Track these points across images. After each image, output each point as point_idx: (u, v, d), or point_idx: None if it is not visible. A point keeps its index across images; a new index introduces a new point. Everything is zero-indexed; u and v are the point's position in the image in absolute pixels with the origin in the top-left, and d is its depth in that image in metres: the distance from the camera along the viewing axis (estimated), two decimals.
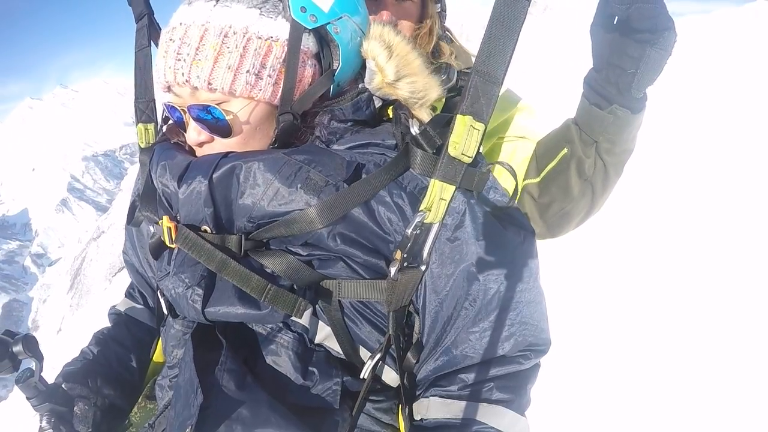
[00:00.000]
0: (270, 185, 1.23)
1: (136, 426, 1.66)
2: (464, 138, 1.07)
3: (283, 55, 1.26)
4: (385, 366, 1.39)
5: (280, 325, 1.37)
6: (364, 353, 1.38)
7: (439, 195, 1.11)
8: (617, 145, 1.57)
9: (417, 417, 1.37)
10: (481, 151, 1.19)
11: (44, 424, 1.51)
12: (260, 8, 1.25)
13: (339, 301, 1.33)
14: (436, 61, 1.84)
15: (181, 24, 1.24)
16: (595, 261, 7.51)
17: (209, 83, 1.21)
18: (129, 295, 1.92)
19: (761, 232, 7.27)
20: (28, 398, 1.50)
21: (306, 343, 1.37)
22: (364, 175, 1.25)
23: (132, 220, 1.63)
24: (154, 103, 1.60)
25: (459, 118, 1.06)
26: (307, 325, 1.37)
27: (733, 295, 6.21)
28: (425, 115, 1.39)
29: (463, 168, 1.10)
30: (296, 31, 1.24)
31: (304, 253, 1.29)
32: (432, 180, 1.11)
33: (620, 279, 7.05)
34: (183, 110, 1.31)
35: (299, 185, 1.21)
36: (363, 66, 1.43)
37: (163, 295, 1.54)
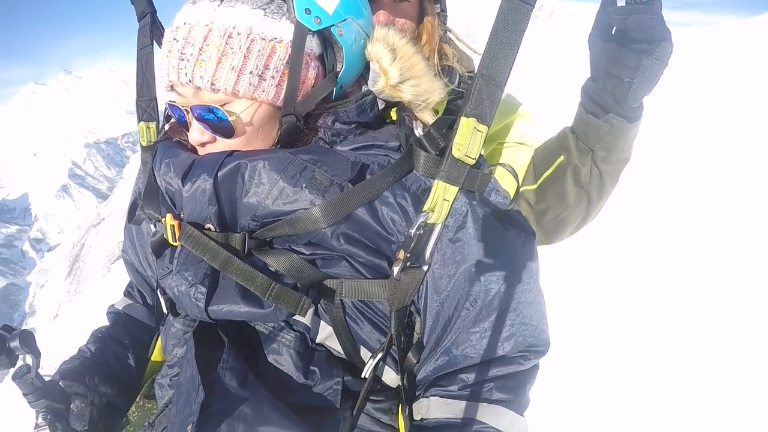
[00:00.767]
0: (275, 184, 1.24)
1: (134, 425, 1.67)
2: (468, 140, 1.09)
3: (287, 57, 1.27)
4: (386, 366, 1.40)
5: (282, 324, 1.38)
6: (364, 353, 1.39)
7: (442, 196, 1.12)
8: (613, 154, 1.59)
9: (417, 417, 1.39)
10: (482, 153, 1.21)
11: (40, 420, 1.51)
12: (264, 9, 1.26)
13: (341, 300, 1.34)
14: (440, 63, 1.86)
15: (185, 24, 1.25)
16: (594, 262, 7.60)
17: (212, 84, 1.22)
18: (128, 293, 1.93)
19: (760, 240, 7.37)
20: (24, 394, 1.50)
21: (307, 343, 1.39)
22: (368, 176, 1.27)
23: (133, 218, 1.63)
24: (156, 101, 1.60)
25: (463, 120, 1.08)
26: (308, 325, 1.38)
27: (731, 297, 6.30)
28: (428, 118, 1.41)
29: (467, 169, 1.12)
30: (300, 32, 1.26)
31: (308, 252, 1.30)
32: (435, 181, 1.13)
33: (619, 280, 7.14)
34: (186, 110, 1.32)
35: (304, 184, 1.22)
36: (366, 68, 1.44)
37: (163, 293, 1.55)
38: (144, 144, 1.58)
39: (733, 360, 5.34)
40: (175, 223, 1.31)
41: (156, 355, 1.82)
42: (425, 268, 1.21)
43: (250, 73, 1.24)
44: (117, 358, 1.76)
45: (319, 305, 1.37)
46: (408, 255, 1.18)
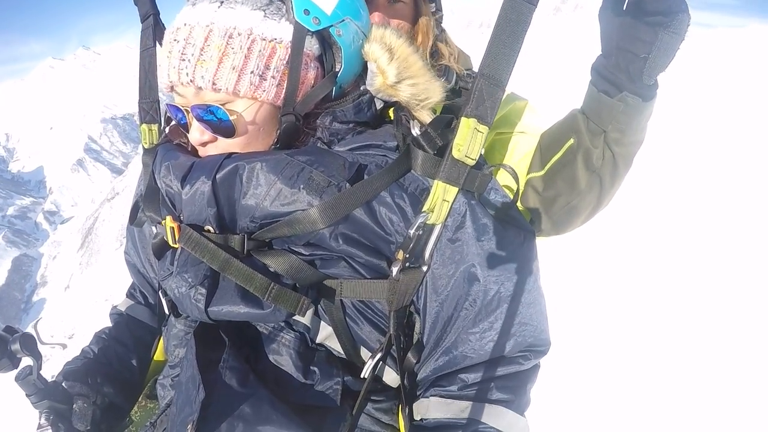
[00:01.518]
0: (273, 186, 1.25)
1: (137, 425, 1.68)
2: (468, 140, 1.09)
3: (287, 57, 1.29)
4: (386, 366, 1.41)
5: (282, 324, 1.39)
6: (364, 353, 1.41)
7: (442, 196, 1.13)
8: (627, 135, 1.54)
9: (417, 417, 1.40)
10: (482, 152, 1.21)
11: (43, 421, 1.53)
12: (264, 10, 1.28)
13: (341, 300, 1.35)
14: (436, 63, 1.86)
15: (185, 25, 1.27)
16: (595, 262, 7.64)
17: (214, 83, 1.25)
18: (130, 294, 1.96)
19: (760, 240, 7.48)
20: (27, 395, 1.52)
21: (307, 343, 1.40)
22: (365, 176, 1.28)
23: (134, 220, 1.65)
24: (158, 103, 1.62)
25: (463, 120, 1.08)
26: (308, 325, 1.39)
27: (733, 297, 6.35)
28: (426, 117, 1.41)
29: (467, 170, 1.12)
30: (299, 33, 1.28)
31: (307, 253, 1.31)
32: (435, 181, 1.14)
33: (620, 280, 7.17)
34: (186, 110, 1.34)
35: (302, 186, 1.24)
36: (364, 68, 1.46)
37: (165, 295, 1.57)
38: (146, 146, 1.60)
39: (733, 359, 5.35)
40: (175, 225, 1.32)
41: (158, 356, 1.84)
42: (424, 268, 1.22)
43: (251, 72, 1.26)
44: (119, 359, 1.77)
45: (318, 305, 1.38)
46: (407, 255, 1.19)
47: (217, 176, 1.28)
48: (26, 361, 1.49)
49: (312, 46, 1.34)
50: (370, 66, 1.43)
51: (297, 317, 1.37)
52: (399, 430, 1.45)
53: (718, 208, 8.53)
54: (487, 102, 1.07)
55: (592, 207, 1.75)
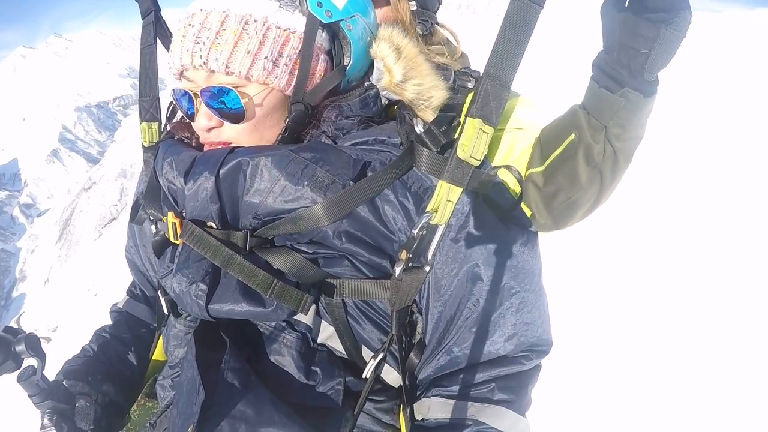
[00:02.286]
0: (276, 182, 1.26)
1: (136, 423, 1.70)
2: (473, 141, 1.10)
3: (299, 47, 1.33)
4: (387, 366, 1.42)
5: (284, 324, 1.40)
6: (366, 353, 1.41)
7: (446, 197, 1.14)
8: (628, 131, 1.58)
9: (418, 417, 1.40)
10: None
11: (46, 421, 1.54)
12: (279, 1, 1.33)
13: (342, 300, 1.36)
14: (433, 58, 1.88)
15: (201, 10, 1.31)
16: (597, 264, 7.74)
17: (227, 66, 1.28)
18: (130, 293, 1.99)
19: (760, 239, 7.57)
20: (29, 396, 1.51)
21: (309, 343, 1.41)
22: (369, 173, 1.29)
23: (135, 217, 1.66)
24: (159, 101, 1.63)
25: (469, 121, 1.10)
26: (310, 325, 1.40)
27: (734, 297, 6.48)
28: (429, 116, 1.42)
29: (471, 170, 1.13)
30: (312, 24, 1.33)
31: (310, 251, 1.32)
32: (439, 182, 1.14)
33: (622, 281, 7.30)
34: (195, 94, 1.35)
35: (306, 182, 1.26)
36: (371, 66, 1.49)
37: (164, 294, 1.58)
38: (146, 144, 1.62)
39: (733, 360, 5.53)
40: (177, 221, 1.33)
41: (157, 354, 1.85)
42: (427, 268, 1.23)
43: (265, 58, 1.29)
44: (119, 357, 1.79)
45: (320, 305, 1.38)
46: (410, 255, 1.21)
47: (221, 172, 1.28)
48: (27, 361, 1.49)
49: (323, 39, 1.38)
50: (377, 64, 1.46)
51: (298, 317, 1.37)
52: (400, 430, 1.45)
53: (713, 203, 8.70)
54: (492, 102, 1.08)
55: (592, 202, 1.78)
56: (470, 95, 1.13)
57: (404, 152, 1.30)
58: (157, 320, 1.80)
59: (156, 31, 1.59)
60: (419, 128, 1.31)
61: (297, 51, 1.33)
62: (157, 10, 1.60)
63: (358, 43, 1.41)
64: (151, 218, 1.49)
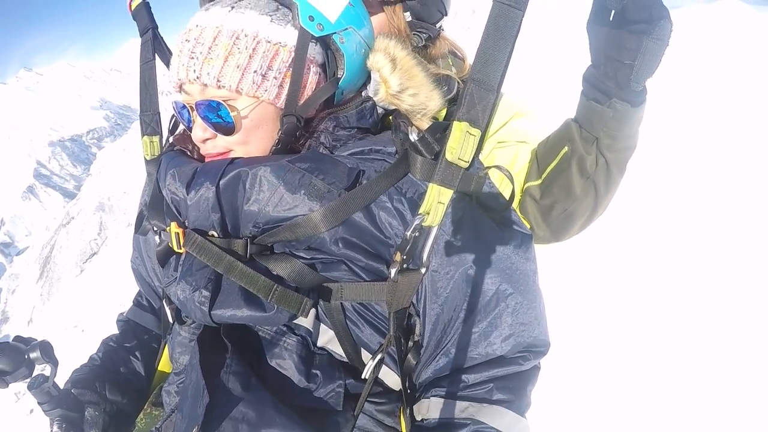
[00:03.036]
0: (275, 192, 1.30)
1: (142, 431, 1.71)
2: (461, 144, 1.11)
3: (290, 60, 1.35)
4: (387, 369, 1.44)
5: (284, 328, 1.42)
6: (365, 356, 1.43)
7: (437, 199, 1.15)
8: (618, 141, 1.60)
9: (418, 417, 1.42)
10: (479, 156, 1.28)
11: (55, 429, 1.55)
12: (271, 16, 1.36)
13: (341, 303, 1.38)
14: (435, 71, 1.85)
15: (197, 26, 1.35)
16: (596, 263, 7.62)
17: (218, 80, 1.31)
18: (137, 302, 2.00)
19: (760, 233, 7.37)
20: (40, 403, 1.53)
21: (309, 347, 1.42)
22: (364, 182, 1.32)
23: (139, 229, 1.69)
24: (159, 116, 1.67)
25: (455, 124, 1.11)
26: (310, 329, 1.42)
27: (734, 298, 6.31)
28: (425, 125, 1.45)
29: (460, 172, 1.15)
30: (303, 38, 1.35)
31: (308, 257, 1.35)
32: (430, 184, 1.16)
33: (620, 281, 7.15)
34: (191, 107, 1.39)
35: (303, 191, 1.28)
36: (368, 79, 1.52)
37: (169, 303, 1.60)
38: (148, 158, 1.66)
39: (733, 360, 5.36)
40: (180, 230, 1.36)
41: (163, 365, 1.86)
42: (423, 270, 1.24)
43: (254, 72, 1.32)
44: (126, 366, 1.80)
45: (319, 309, 1.40)
46: (404, 257, 1.21)
47: (221, 182, 1.32)
48: (39, 369, 1.51)
49: (315, 52, 1.40)
50: (374, 75, 1.49)
51: (299, 321, 1.41)
52: (401, 431, 1.48)
53: (711, 202, 8.38)
54: (478, 106, 1.09)
55: (589, 213, 1.80)
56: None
57: (398, 160, 1.34)
58: (162, 329, 1.83)
59: (154, 47, 1.65)
60: (413, 136, 1.34)
61: (287, 64, 1.36)
62: (155, 27, 1.66)
63: (351, 55, 1.43)
64: (155, 229, 1.53)
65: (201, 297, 1.34)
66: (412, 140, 1.33)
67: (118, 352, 1.84)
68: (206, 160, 1.49)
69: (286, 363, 1.40)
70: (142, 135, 1.69)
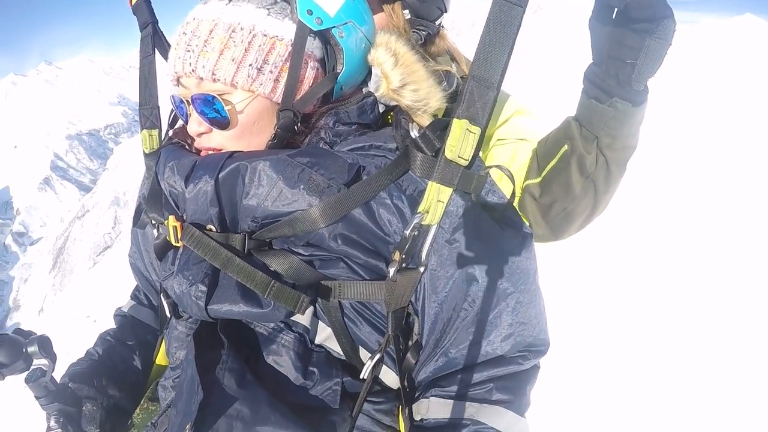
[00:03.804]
0: (274, 186, 1.28)
1: (138, 426, 1.70)
2: (460, 141, 1.11)
3: (286, 54, 1.34)
4: (386, 367, 1.42)
5: (282, 325, 1.41)
6: (364, 354, 1.42)
7: (436, 197, 1.15)
8: (618, 140, 1.58)
9: (417, 417, 1.41)
10: (480, 154, 1.27)
11: (52, 423, 1.54)
12: (269, 9, 1.35)
13: (339, 301, 1.37)
14: (435, 66, 1.87)
15: (194, 19, 1.35)
16: (595, 263, 7.68)
17: (213, 73, 1.30)
18: (134, 297, 2.00)
19: (760, 235, 7.59)
20: (37, 398, 1.51)
21: (307, 344, 1.41)
22: (365, 177, 1.31)
23: (138, 222, 1.70)
24: (159, 109, 1.66)
25: (455, 122, 1.11)
26: (308, 326, 1.41)
27: (733, 297, 6.42)
28: (426, 121, 1.44)
29: (460, 171, 1.14)
30: (301, 31, 1.33)
31: (306, 254, 1.34)
32: (429, 182, 1.15)
33: (621, 280, 7.24)
34: (187, 101, 1.38)
35: (302, 186, 1.28)
36: (369, 75, 1.50)
37: (167, 297, 1.59)
38: (147, 151, 1.66)
39: (733, 360, 5.44)
40: (178, 224, 1.35)
41: (160, 359, 1.86)
42: (421, 269, 1.23)
43: (250, 65, 1.31)
44: (124, 361, 1.81)
45: (317, 306, 1.39)
46: (403, 256, 1.20)
47: (220, 176, 1.31)
48: (37, 363, 1.51)
49: (314, 47, 1.39)
50: (375, 71, 1.49)
51: (296, 318, 1.40)
52: (400, 431, 1.47)
53: (710, 204, 8.73)
54: (478, 103, 1.09)
55: (588, 212, 1.79)
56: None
57: (399, 156, 1.33)
58: (159, 323, 1.85)
59: (154, 41, 1.65)
60: (414, 133, 1.32)
61: (283, 58, 1.35)
62: (155, 22, 1.66)
63: (351, 50, 1.42)
64: (153, 222, 1.53)
65: (197, 291, 1.33)
66: (413, 136, 1.31)
67: (116, 347, 1.84)
68: (202, 154, 1.48)
69: (282, 360, 1.39)
70: (141, 128, 1.68)
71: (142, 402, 1.77)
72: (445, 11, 2.07)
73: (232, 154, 1.36)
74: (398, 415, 1.47)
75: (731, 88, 13.50)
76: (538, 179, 1.78)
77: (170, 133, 1.65)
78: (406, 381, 1.42)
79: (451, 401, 1.36)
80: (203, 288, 1.32)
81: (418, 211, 1.16)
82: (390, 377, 1.45)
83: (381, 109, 1.50)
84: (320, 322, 1.42)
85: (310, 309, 1.40)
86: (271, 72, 1.34)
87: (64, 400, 1.58)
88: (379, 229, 1.32)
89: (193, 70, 1.33)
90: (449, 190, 1.15)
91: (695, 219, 8.35)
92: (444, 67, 1.87)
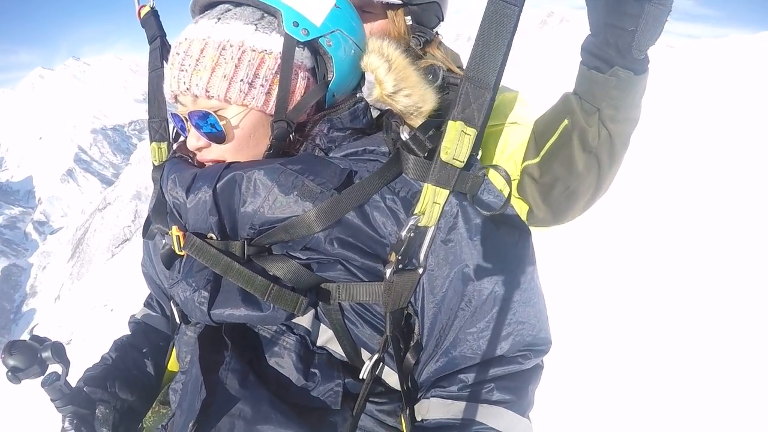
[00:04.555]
0: (269, 193, 1.31)
1: (149, 429, 1.74)
2: (455, 143, 1.11)
3: (276, 67, 1.36)
4: (389, 369, 1.44)
5: (283, 327, 1.43)
6: (365, 355, 1.43)
7: (432, 199, 1.15)
8: (621, 111, 1.53)
9: (418, 418, 1.42)
10: (476, 155, 1.26)
11: (67, 425, 1.58)
12: (256, 24, 1.36)
13: (339, 303, 1.39)
14: (422, 63, 1.86)
15: (186, 39, 1.37)
16: (598, 262, 7.63)
17: (207, 90, 1.33)
18: (147, 304, 2.05)
19: (760, 240, 7.46)
20: (52, 400, 1.57)
21: (308, 346, 1.43)
22: (356, 181, 1.33)
23: (147, 233, 1.74)
24: (167, 122, 1.69)
25: (450, 123, 1.10)
26: (309, 328, 1.43)
27: (733, 295, 6.34)
28: (419, 124, 1.44)
29: (456, 172, 1.14)
30: (289, 44, 1.35)
31: (304, 258, 1.36)
32: (425, 185, 1.15)
33: (624, 279, 7.18)
34: (184, 118, 1.41)
35: (295, 192, 1.30)
36: (362, 80, 1.51)
37: (176, 304, 1.62)
38: (156, 163, 1.70)
39: (733, 359, 5.32)
40: (181, 233, 1.38)
41: (172, 365, 1.90)
42: (420, 270, 1.24)
43: (241, 80, 1.33)
44: (137, 365, 1.84)
45: (318, 309, 1.41)
46: (399, 257, 1.21)
47: (218, 186, 1.35)
48: (52, 368, 1.55)
49: (303, 58, 1.40)
50: (368, 76, 1.49)
51: (298, 320, 1.43)
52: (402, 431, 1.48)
53: (710, 207, 8.66)
54: (473, 104, 1.08)
55: (592, 191, 1.73)
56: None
57: (390, 159, 1.33)
58: (171, 329, 1.86)
59: (162, 55, 1.68)
60: (405, 135, 1.31)
61: (273, 71, 1.36)
62: (163, 35, 1.69)
63: (341, 58, 1.42)
64: (159, 232, 1.57)
65: (200, 297, 1.37)
66: (404, 139, 1.32)
67: (129, 352, 1.88)
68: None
69: (284, 361, 1.41)
70: (151, 141, 1.74)
71: (153, 405, 1.82)
72: (442, 20, 2.08)
73: (229, 165, 1.40)
74: (401, 416, 1.50)
75: (759, 101, 13.31)
76: (537, 159, 1.72)
77: (174, 146, 1.69)
78: (407, 382, 1.45)
79: (451, 402, 1.37)
80: (206, 294, 1.37)
81: (414, 212, 1.18)
82: (393, 378, 1.47)
83: (375, 113, 1.52)
84: (321, 324, 1.44)
85: (311, 311, 1.43)
86: (262, 86, 1.36)
87: (78, 403, 1.62)
88: (375, 231, 1.33)
89: (187, 89, 1.35)
90: (446, 192, 1.17)
91: (709, 223, 8.30)
92: (429, 62, 1.87)
